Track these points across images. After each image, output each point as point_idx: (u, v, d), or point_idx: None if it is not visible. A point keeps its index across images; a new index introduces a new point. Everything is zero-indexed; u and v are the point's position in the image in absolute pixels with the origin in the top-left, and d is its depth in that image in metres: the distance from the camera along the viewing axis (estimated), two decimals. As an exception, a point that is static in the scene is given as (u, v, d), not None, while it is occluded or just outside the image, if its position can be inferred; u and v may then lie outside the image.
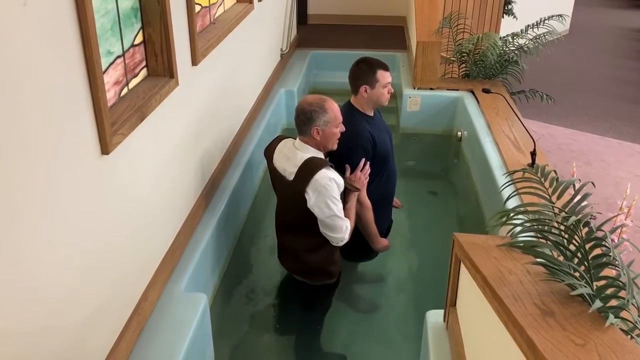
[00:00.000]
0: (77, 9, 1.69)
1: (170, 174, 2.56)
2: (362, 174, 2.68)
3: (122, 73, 2.22)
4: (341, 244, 2.52)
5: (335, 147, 2.55)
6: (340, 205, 2.45)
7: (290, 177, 2.46)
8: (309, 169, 2.40)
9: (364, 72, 2.76)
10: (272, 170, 2.63)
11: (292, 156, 2.49)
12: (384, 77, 2.76)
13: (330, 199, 2.39)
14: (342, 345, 2.80)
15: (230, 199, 3.19)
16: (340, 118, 2.53)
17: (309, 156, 2.45)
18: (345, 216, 2.51)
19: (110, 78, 2.10)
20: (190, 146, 2.81)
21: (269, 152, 2.67)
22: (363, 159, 2.69)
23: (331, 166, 2.49)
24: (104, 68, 2.01)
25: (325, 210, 2.40)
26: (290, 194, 2.49)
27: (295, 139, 2.59)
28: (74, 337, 1.78)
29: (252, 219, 3.65)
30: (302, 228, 2.55)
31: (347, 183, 2.61)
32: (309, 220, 2.48)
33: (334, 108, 2.48)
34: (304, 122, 2.45)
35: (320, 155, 2.51)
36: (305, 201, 2.41)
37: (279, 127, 4.79)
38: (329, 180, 2.39)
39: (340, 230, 2.46)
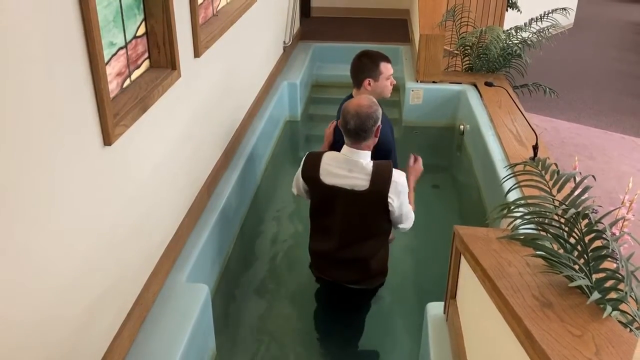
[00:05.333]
0: (80, 0, 1.69)
1: (172, 165, 2.56)
2: None
3: (125, 64, 2.22)
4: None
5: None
6: None
7: (362, 188, 2.36)
8: (384, 174, 2.34)
9: (366, 65, 2.75)
10: (326, 189, 2.43)
11: (354, 167, 2.37)
12: (387, 69, 2.76)
13: (406, 195, 2.40)
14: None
15: (232, 190, 3.20)
16: None
17: (370, 161, 2.39)
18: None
19: (112, 69, 2.11)
20: (193, 138, 2.82)
21: (314, 173, 2.45)
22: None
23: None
24: (106, 59, 2.01)
25: (405, 207, 2.41)
26: (364, 205, 2.39)
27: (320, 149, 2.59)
28: (78, 325, 1.80)
29: (255, 210, 3.66)
30: (368, 235, 2.49)
31: None
32: (376, 224, 2.45)
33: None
34: (372, 126, 2.34)
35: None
36: (384, 206, 2.36)
37: (281, 120, 4.79)
38: (404, 177, 2.39)
39: (412, 217, 2.51)
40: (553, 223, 1.61)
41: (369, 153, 2.41)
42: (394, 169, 2.39)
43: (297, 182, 2.59)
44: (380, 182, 2.34)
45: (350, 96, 2.86)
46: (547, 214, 1.64)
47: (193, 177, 2.86)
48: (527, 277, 1.51)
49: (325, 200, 2.48)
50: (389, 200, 2.35)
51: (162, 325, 2.24)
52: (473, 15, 5.18)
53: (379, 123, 2.39)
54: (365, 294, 2.74)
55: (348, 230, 2.48)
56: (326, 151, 2.56)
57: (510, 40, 4.70)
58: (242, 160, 3.50)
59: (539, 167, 1.86)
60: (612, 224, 1.52)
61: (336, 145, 2.71)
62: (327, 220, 2.52)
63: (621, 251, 1.45)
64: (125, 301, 2.14)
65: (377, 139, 2.44)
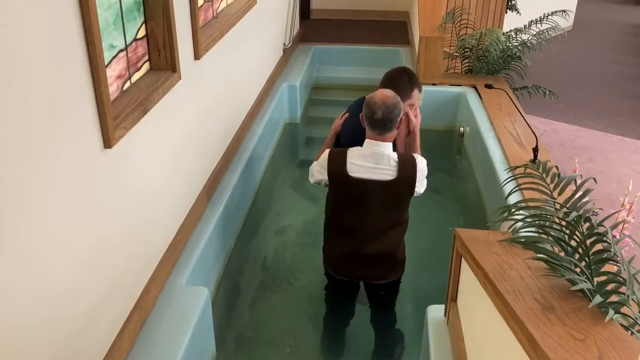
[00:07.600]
0: (81, 2, 1.69)
1: (172, 167, 2.56)
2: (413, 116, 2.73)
3: (125, 67, 2.22)
4: None
5: None
6: None
7: (390, 177, 2.40)
8: (409, 162, 2.44)
9: (403, 85, 2.71)
10: (356, 184, 2.42)
11: (380, 160, 2.41)
12: (415, 97, 2.76)
13: (424, 175, 2.50)
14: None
15: (232, 192, 3.20)
16: None
17: (394, 152, 2.44)
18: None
19: (112, 72, 2.11)
20: (193, 140, 2.82)
21: (341, 169, 2.43)
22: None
23: None
24: (106, 62, 2.01)
25: (424, 182, 2.52)
26: (393, 195, 2.44)
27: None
28: (78, 327, 1.80)
29: (254, 212, 3.66)
30: (392, 225, 2.52)
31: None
32: (400, 214, 2.52)
33: None
34: (397, 115, 2.41)
35: None
36: (411, 193, 2.47)
37: (281, 122, 4.79)
38: (425, 162, 2.50)
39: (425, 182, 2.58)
40: (554, 226, 1.61)
41: (391, 144, 2.46)
42: (414, 155, 2.50)
43: (314, 174, 2.56)
44: (407, 170, 2.42)
45: (363, 99, 2.82)
46: (548, 216, 1.64)
47: (193, 179, 2.86)
48: (528, 280, 1.50)
49: (354, 195, 2.48)
50: (416, 187, 2.45)
51: (162, 328, 2.23)
52: (473, 17, 5.18)
53: (402, 115, 2.46)
54: (394, 285, 2.71)
55: (375, 222, 2.50)
56: (348, 148, 2.51)
57: (509, 43, 4.71)
58: (242, 163, 3.50)
59: (540, 170, 1.85)
60: (612, 227, 1.52)
61: (340, 138, 2.71)
62: (352, 217, 2.51)
63: (622, 254, 1.45)
64: (125, 304, 2.13)
65: (397, 132, 2.49)
